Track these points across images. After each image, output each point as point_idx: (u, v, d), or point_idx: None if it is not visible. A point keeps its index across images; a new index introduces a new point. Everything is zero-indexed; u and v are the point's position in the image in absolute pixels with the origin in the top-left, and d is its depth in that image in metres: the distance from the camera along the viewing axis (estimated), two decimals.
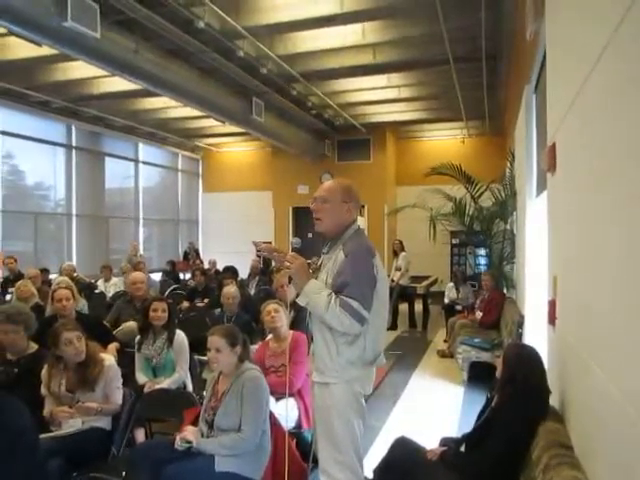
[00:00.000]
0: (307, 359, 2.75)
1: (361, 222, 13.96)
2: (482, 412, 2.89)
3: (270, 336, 4.06)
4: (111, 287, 8.23)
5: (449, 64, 7.89)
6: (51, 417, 3.11)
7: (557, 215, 2.92)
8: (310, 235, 10.27)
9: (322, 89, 9.61)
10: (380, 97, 10.40)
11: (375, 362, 2.57)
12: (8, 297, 7.24)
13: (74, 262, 10.18)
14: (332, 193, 2.61)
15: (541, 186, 4.45)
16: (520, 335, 5.22)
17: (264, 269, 9.32)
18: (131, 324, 4.90)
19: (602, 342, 1.85)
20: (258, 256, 9.09)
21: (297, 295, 2.51)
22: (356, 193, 2.67)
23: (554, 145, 2.83)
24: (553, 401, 2.67)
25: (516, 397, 2.62)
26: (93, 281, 8.79)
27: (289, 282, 2.56)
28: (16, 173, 10.86)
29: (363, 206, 13.43)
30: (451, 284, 8.85)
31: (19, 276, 7.86)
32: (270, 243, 13.18)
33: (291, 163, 13.90)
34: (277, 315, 3.93)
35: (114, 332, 4.74)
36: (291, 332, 3.92)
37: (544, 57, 3.72)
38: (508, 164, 7.83)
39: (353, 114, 11.76)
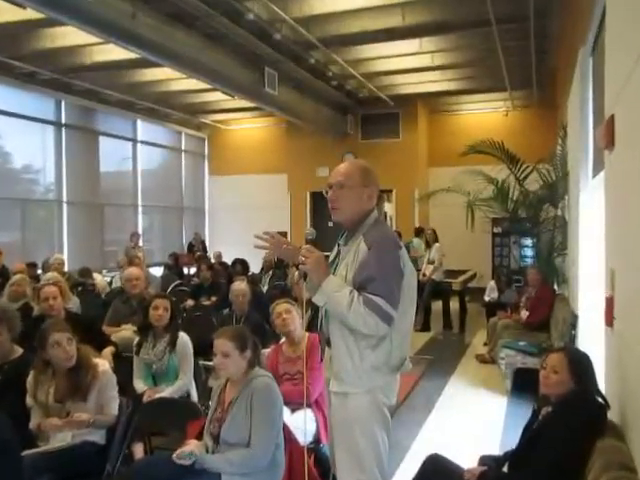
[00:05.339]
0: (321, 365, 2.73)
1: (388, 209, 13.93)
2: (528, 427, 2.86)
3: (283, 339, 4.06)
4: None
5: (491, 25, 7.76)
6: (39, 430, 3.14)
7: (616, 199, 2.87)
8: (330, 224, 10.26)
9: (344, 57, 9.55)
10: (411, 65, 10.30)
11: (401, 368, 2.55)
12: None
13: (65, 255, 10.30)
14: (350, 177, 2.58)
15: (598, 166, 4.38)
16: (573, 337, 5.17)
17: (279, 263, 9.33)
18: (126, 332, 4.96)
19: None
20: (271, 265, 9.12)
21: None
22: (375, 175, 2.65)
23: (612, 118, 2.79)
24: (612, 415, 2.63)
25: (569, 409, 2.58)
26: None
27: (304, 279, 2.52)
28: (0, 155, 10.99)
29: (390, 190, 13.39)
30: (493, 283, 8.76)
31: (4, 271, 7.97)
32: (285, 234, 13.20)
33: (309, 142, 13.87)
34: (289, 317, 3.91)
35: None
36: (307, 334, 3.90)
37: (603, 14, 3.63)
38: (559, 140, 7.73)
39: (379, 85, 11.67)
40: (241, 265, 8.66)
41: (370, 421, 2.47)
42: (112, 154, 13.34)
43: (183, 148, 15.73)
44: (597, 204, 4.35)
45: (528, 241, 9.70)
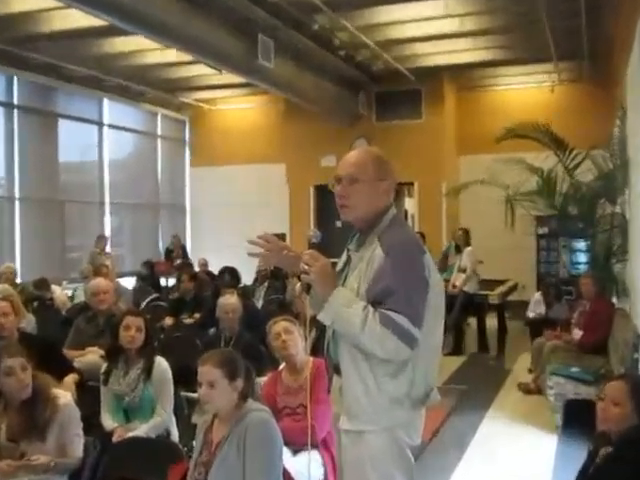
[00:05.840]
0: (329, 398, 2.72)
1: (409, 206, 13.92)
2: (583, 471, 2.85)
3: (283, 365, 4.05)
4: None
5: None
6: None
7: None
8: (339, 224, 10.24)
9: (354, 22, 9.56)
10: (435, 31, 10.29)
11: (427, 401, 2.54)
12: None
13: (17, 263, 10.31)
14: (363, 168, 2.58)
15: None
16: (637, 362, 5.15)
17: (276, 272, 9.35)
18: (92, 357, 4.95)
19: None
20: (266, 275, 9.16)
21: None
22: (392, 166, 2.66)
23: None
24: None
25: (632, 449, 2.57)
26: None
27: (307, 292, 2.52)
28: None
29: (412, 183, 13.37)
30: (538, 295, 8.73)
31: None
32: (284, 237, 13.18)
33: (311, 125, 13.84)
34: (290, 337, 3.91)
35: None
36: (311, 359, 3.90)
37: None
38: (617, 122, 7.72)
39: (397, 56, 11.66)
40: (230, 275, 8.67)
41: (387, 463, 2.46)
42: (74, 141, 13.36)
43: (159, 133, 15.75)
44: None
45: (581, 244, 9.66)
